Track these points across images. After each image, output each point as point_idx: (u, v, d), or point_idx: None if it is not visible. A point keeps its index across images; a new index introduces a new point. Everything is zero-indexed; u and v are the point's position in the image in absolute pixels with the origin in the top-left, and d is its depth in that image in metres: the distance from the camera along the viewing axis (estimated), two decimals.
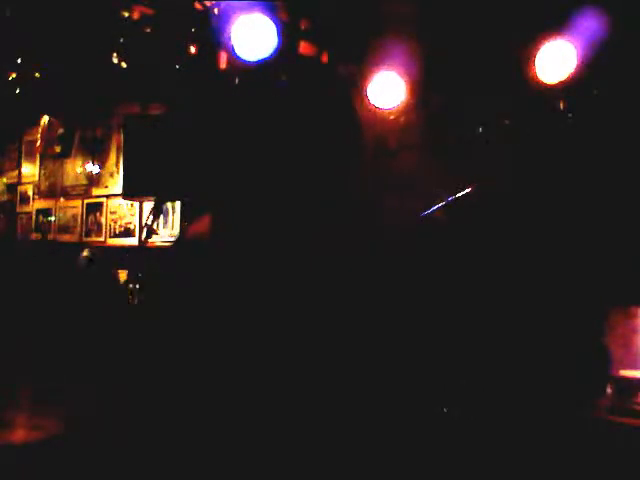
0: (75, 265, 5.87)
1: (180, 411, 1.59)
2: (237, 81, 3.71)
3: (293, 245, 1.57)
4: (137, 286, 4.84)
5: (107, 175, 6.09)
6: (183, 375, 1.59)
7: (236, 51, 3.34)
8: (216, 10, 3.56)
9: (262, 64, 3.32)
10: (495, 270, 3.30)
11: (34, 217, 6.90)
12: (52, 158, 6.64)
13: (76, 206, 6.42)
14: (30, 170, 7.01)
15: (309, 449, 1.52)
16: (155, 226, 4.63)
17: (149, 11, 3.90)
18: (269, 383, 1.51)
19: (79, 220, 6.38)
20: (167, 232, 5.37)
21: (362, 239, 1.65)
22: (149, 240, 4.13)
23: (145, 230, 4.08)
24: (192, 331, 1.58)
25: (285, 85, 1.67)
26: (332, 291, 1.54)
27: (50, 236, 6.66)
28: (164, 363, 1.66)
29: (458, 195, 3.13)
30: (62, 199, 6.60)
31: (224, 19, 3.37)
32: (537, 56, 3.29)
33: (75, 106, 5.64)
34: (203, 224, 1.64)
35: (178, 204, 5.30)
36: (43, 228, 6.75)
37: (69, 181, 6.54)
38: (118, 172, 5.85)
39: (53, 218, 6.67)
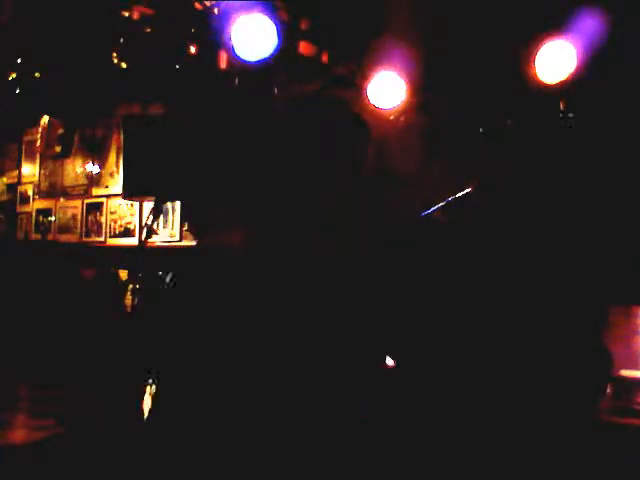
0: None
1: (180, 410, 1.59)
2: (237, 81, 3.72)
3: (292, 245, 1.57)
4: (137, 286, 4.84)
5: (107, 175, 6.09)
6: (184, 375, 1.59)
7: (236, 51, 3.34)
8: (216, 10, 3.56)
9: (262, 64, 3.32)
10: (495, 270, 3.30)
11: (34, 217, 6.90)
12: (52, 158, 6.64)
13: (76, 206, 6.42)
14: (30, 170, 7.01)
15: (308, 450, 1.52)
16: (155, 226, 4.63)
17: (149, 11, 3.90)
18: (272, 381, 1.51)
19: (79, 220, 6.38)
20: (167, 232, 5.37)
21: (362, 239, 1.65)
22: (149, 240, 4.13)
23: (145, 230, 4.08)
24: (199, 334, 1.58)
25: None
26: (332, 292, 1.54)
27: (50, 236, 6.67)
28: (165, 364, 1.66)
29: (458, 195, 3.13)
30: (62, 199, 6.60)
31: (224, 19, 3.37)
32: (537, 56, 3.29)
33: (75, 106, 5.64)
34: (233, 235, 1.62)
35: (178, 204, 5.30)
36: (43, 228, 6.75)
37: (69, 181, 6.54)
38: (118, 172, 5.85)
39: (53, 218, 6.67)
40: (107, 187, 6.09)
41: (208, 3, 3.63)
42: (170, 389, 1.61)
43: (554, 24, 3.22)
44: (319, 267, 1.55)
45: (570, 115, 3.42)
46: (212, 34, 3.59)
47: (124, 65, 4.13)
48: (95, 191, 6.23)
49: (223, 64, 3.82)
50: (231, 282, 1.53)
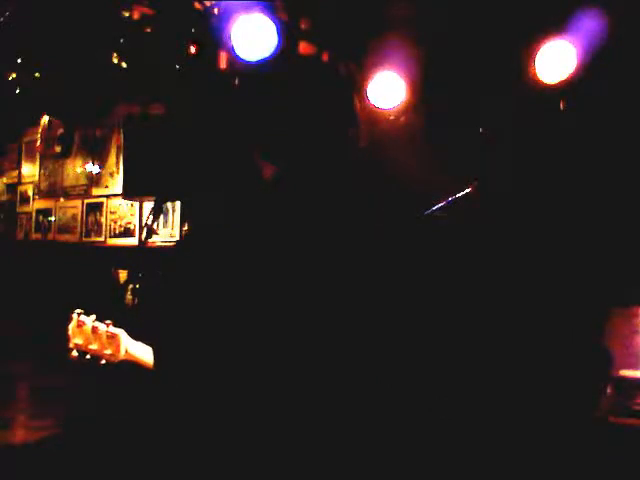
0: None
1: (180, 410, 1.59)
2: (237, 81, 3.71)
3: (292, 244, 1.57)
4: (137, 286, 4.84)
5: (107, 175, 6.09)
6: (183, 375, 1.59)
7: (236, 51, 3.34)
8: (216, 10, 3.56)
9: (262, 64, 3.32)
10: (495, 270, 3.30)
11: (34, 217, 6.90)
12: (52, 158, 6.64)
13: (76, 206, 6.42)
14: (30, 170, 7.01)
15: (307, 449, 1.52)
16: (155, 226, 4.63)
17: (149, 11, 3.90)
18: (269, 382, 1.51)
19: (79, 220, 6.38)
20: (167, 232, 5.37)
21: (361, 239, 1.65)
22: (149, 240, 4.13)
23: (145, 230, 4.08)
24: (192, 329, 1.58)
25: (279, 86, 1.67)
26: (330, 292, 1.54)
27: (50, 236, 6.67)
28: (165, 363, 1.66)
29: (458, 195, 3.13)
30: (62, 199, 6.60)
31: (224, 19, 3.37)
32: (537, 56, 3.29)
33: (75, 106, 5.64)
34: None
35: (178, 204, 5.30)
36: (43, 228, 6.76)
37: (69, 181, 6.54)
38: (118, 172, 5.85)
39: (53, 218, 6.67)
40: (107, 187, 6.09)
41: (208, 3, 3.63)
42: (170, 386, 1.61)
43: (554, 24, 3.22)
44: (317, 266, 1.55)
45: (570, 115, 3.42)
46: (212, 34, 3.59)
47: (124, 65, 4.13)
48: (95, 191, 6.23)
49: (223, 64, 3.82)
50: (223, 279, 1.53)
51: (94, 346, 1.84)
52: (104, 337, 1.85)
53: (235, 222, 1.61)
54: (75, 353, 1.86)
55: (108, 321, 1.89)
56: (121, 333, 1.89)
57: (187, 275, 1.60)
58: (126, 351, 1.86)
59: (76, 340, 1.86)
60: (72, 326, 1.88)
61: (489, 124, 3.65)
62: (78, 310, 1.91)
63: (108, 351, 1.85)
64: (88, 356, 1.86)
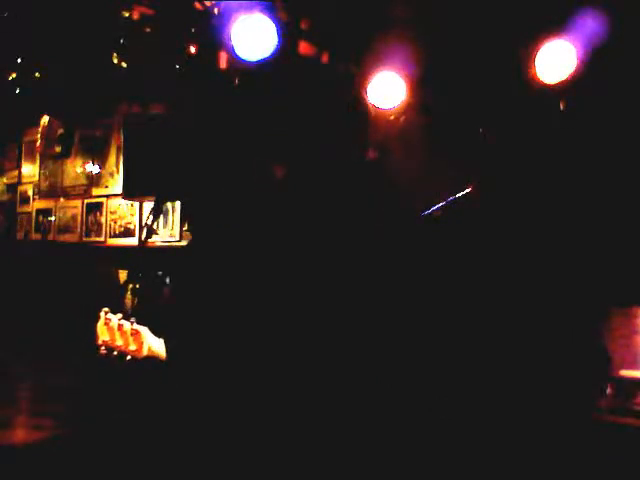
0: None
1: (181, 410, 1.59)
2: (237, 81, 3.71)
3: (292, 244, 1.57)
4: (137, 286, 4.84)
5: (107, 175, 6.10)
6: (185, 375, 1.59)
7: (236, 51, 3.34)
8: (216, 10, 3.56)
9: (262, 64, 3.32)
10: (495, 270, 3.30)
11: (34, 217, 6.90)
12: (52, 158, 6.64)
13: (76, 206, 6.43)
14: (30, 170, 7.01)
15: (308, 448, 1.52)
16: (155, 226, 4.63)
17: (149, 11, 3.90)
18: (271, 382, 1.51)
19: (79, 220, 6.38)
20: (167, 232, 5.37)
21: (361, 239, 1.65)
22: (149, 240, 4.13)
23: (145, 230, 4.07)
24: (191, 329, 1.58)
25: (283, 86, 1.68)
26: (331, 291, 1.54)
27: (50, 236, 6.67)
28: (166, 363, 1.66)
29: (458, 195, 3.13)
30: (62, 199, 6.60)
31: (224, 19, 3.37)
32: (537, 56, 3.29)
33: (75, 106, 5.64)
34: None
35: (178, 204, 5.30)
36: (43, 228, 6.76)
37: (69, 181, 6.54)
38: (118, 172, 5.85)
39: (53, 218, 6.67)
40: (107, 187, 6.09)
41: (208, 3, 3.63)
42: (170, 387, 1.61)
43: (554, 24, 3.22)
44: (317, 265, 1.55)
45: (570, 115, 3.42)
46: (212, 34, 3.59)
47: (124, 65, 4.13)
48: (95, 191, 6.23)
49: (223, 64, 3.82)
50: (224, 279, 1.53)
51: (119, 342, 1.88)
52: (129, 334, 1.88)
53: (234, 222, 1.61)
54: (104, 350, 1.90)
55: (132, 319, 1.92)
56: (144, 330, 1.91)
57: (193, 276, 1.60)
58: (149, 348, 1.89)
59: (103, 337, 1.90)
60: (100, 324, 1.91)
61: (489, 124, 3.65)
62: (105, 308, 1.94)
63: (132, 347, 1.88)
64: (115, 352, 1.89)
